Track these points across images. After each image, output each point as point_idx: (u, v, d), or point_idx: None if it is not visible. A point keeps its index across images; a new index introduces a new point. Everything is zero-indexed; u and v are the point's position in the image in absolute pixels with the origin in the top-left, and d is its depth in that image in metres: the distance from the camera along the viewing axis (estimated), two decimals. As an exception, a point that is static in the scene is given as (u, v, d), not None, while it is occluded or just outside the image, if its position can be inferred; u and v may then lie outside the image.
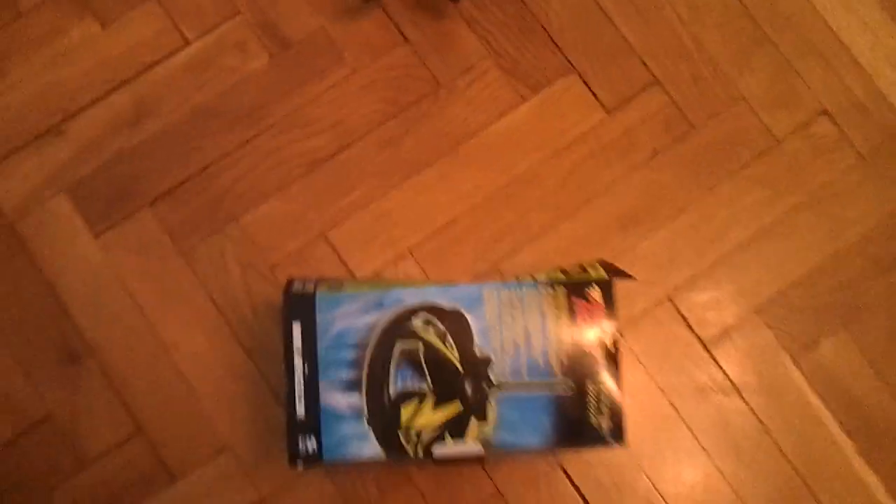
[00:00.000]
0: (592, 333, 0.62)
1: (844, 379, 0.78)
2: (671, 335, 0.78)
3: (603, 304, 0.62)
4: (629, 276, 0.63)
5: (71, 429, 0.75)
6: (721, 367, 0.78)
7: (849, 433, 0.77)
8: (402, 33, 0.81)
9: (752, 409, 0.77)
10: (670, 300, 0.78)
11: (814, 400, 0.77)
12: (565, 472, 0.75)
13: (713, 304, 0.78)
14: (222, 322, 0.76)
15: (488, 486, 0.74)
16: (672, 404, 0.77)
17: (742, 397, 0.77)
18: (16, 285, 0.76)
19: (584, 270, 0.64)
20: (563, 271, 0.65)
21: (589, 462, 0.75)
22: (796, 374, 0.78)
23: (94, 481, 0.74)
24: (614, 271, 0.64)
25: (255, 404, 0.75)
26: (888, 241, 0.80)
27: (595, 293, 0.62)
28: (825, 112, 0.81)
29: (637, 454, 0.75)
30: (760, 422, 0.77)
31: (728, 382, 0.77)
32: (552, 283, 0.62)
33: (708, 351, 0.78)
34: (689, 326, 0.78)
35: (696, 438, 0.76)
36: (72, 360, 0.75)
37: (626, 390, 0.76)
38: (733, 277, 0.79)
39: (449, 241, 0.78)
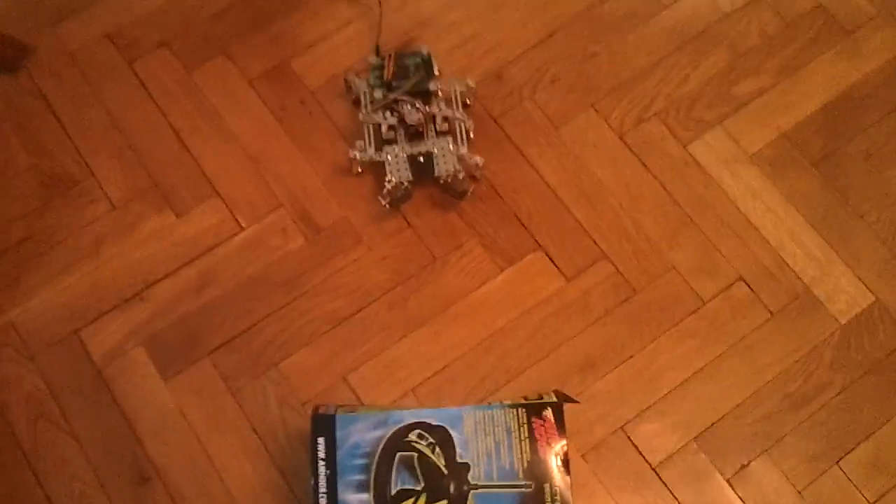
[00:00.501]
0: (547, 445, 0.81)
1: (770, 497, 0.93)
2: (625, 459, 0.95)
3: (555, 423, 0.82)
4: (575, 401, 0.82)
5: (139, 536, 0.93)
6: (668, 488, 0.94)
7: (776, 542, 0.92)
8: (406, 221, 1.04)
9: (694, 522, 0.93)
10: (622, 430, 0.96)
11: (747, 514, 0.94)
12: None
13: (658, 434, 0.96)
14: (262, 448, 0.95)
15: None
16: (628, 517, 0.93)
17: (687, 512, 0.94)
18: (100, 418, 0.96)
19: (541, 397, 0.84)
20: (525, 398, 0.85)
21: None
22: (730, 493, 0.94)
23: (154, 579, 0.91)
24: (564, 398, 0.83)
25: (287, 515, 0.93)
26: (797, 381, 0.97)
27: (548, 414, 0.82)
28: (741, 278, 1.02)
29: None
30: (702, 532, 0.93)
31: (675, 500, 0.94)
32: (515, 406, 0.82)
33: (656, 473, 0.95)
34: (640, 452, 0.95)
35: (649, 547, 0.92)
36: (142, 480, 0.94)
37: (588, 504, 0.93)
38: (673, 412, 0.97)
39: (443, 381, 0.97)
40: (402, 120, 1.03)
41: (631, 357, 0.98)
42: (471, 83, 1.05)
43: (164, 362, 0.98)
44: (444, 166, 1.01)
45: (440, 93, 1.05)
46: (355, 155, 1.02)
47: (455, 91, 1.06)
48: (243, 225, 1.04)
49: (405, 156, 1.02)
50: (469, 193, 1.02)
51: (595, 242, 1.03)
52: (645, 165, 1.07)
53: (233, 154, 1.07)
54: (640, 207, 1.04)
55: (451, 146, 1.02)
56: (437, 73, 1.07)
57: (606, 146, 1.08)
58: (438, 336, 0.99)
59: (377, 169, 1.04)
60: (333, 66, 1.12)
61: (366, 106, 1.04)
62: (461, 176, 1.01)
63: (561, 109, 1.10)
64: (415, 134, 1.03)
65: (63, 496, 0.93)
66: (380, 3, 1.13)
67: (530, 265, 1.02)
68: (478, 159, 1.02)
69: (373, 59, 1.08)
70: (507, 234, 1.03)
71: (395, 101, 1.03)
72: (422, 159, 1.01)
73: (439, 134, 1.03)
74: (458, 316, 1.00)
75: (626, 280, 1.01)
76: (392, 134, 1.03)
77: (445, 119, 1.03)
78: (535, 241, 1.03)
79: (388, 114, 1.03)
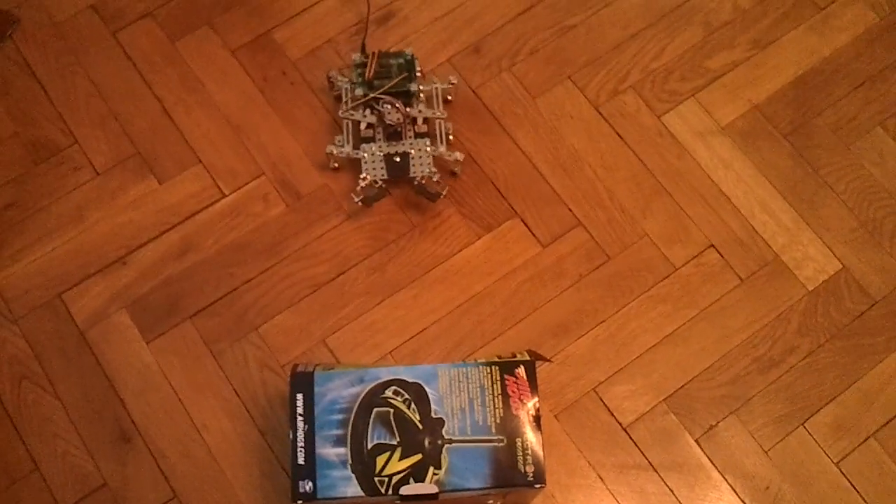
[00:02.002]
0: (519, 402, 0.83)
1: (737, 456, 0.96)
2: (597, 420, 0.98)
3: (527, 380, 0.84)
4: (547, 360, 0.85)
5: (122, 495, 0.94)
6: (638, 447, 0.97)
7: (743, 502, 0.95)
8: (387, 190, 1.06)
9: (663, 481, 0.96)
10: (595, 391, 0.98)
11: (714, 474, 0.96)
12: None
13: (629, 395, 0.98)
14: (242, 408, 0.97)
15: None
16: (599, 476, 0.95)
17: (656, 471, 0.96)
18: (83, 379, 0.98)
19: (514, 356, 0.86)
20: (498, 356, 0.87)
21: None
22: (698, 452, 0.96)
23: (137, 535, 0.93)
24: (536, 356, 0.86)
25: (267, 473, 0.95)
26: (765, 346, 1.00)
27: (521, 371, 0.84)
28: (712, 245, 1.04)
29: (568, 512, 0.94)
30: (671, 491, 0.95)
31: (644, 459, 0.96)
32: (489, 364, 0.84)
33: (627, 433, 0.97)
34: (611, 413, 0.98)
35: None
36: (124, 439, 0.96)
37: (561, 463, 0.95)
38: (644, 374, 0.99)
39: (421, 344, 1.00)
40: (381, 119, 1.04)
41: (603, 321, 1.01)
42: (453, 80, 1.06)
43: (147, 325, 1.00)
44: (420, 168, 1.02)
45: (421, 94, 1.06)
46: (332, 150, 1.03)
47: (436, 90, 1.06)
48: (225, 192, 1.06)
49: (382, 155, 1.03)
50: (442, 196, 1.03)
51: (570, 210, 1.05)
52: (620, 136, 1.09)
53: (215, 123, 1.09)
54: (614, 177, 1.07)
55: (428, 147, 1.03)
56: (419, 73, 1.07)
57: (582, 117, 1.10)
58: (416, 300, 1.01)
59: (355, 164, 1.06)
60: (315, 38, 1.14)
61: (346, 102, 1.05)
62: (436, 178, 1.02)
63: (538, 81, 1.12)
64: (393, 133, 1.04)
65: (46, 455, 0.95)
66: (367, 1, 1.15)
67: (507, 232, 1.04)
68: (457, 155, 1.03)
69: (356, 57, 1.08)
70: (485, 202, 1.05)
71: (376, 99, 1.04)
72: (398, 159, 1.03)
73: (418, 135, 1.04)
74: (435, 281, 1.02)
75: (600, 247, 1.04)
76: (371, 132, 1.04)
77: (426, 120, 1.04)
78: (512, 208, 1.05)
79: (367, 112, 1.04)
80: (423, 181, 1.02)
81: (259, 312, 1.00)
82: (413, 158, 1.03)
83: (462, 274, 1.02)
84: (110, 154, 1.08)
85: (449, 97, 1.09)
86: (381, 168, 1.03)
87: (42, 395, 0.97)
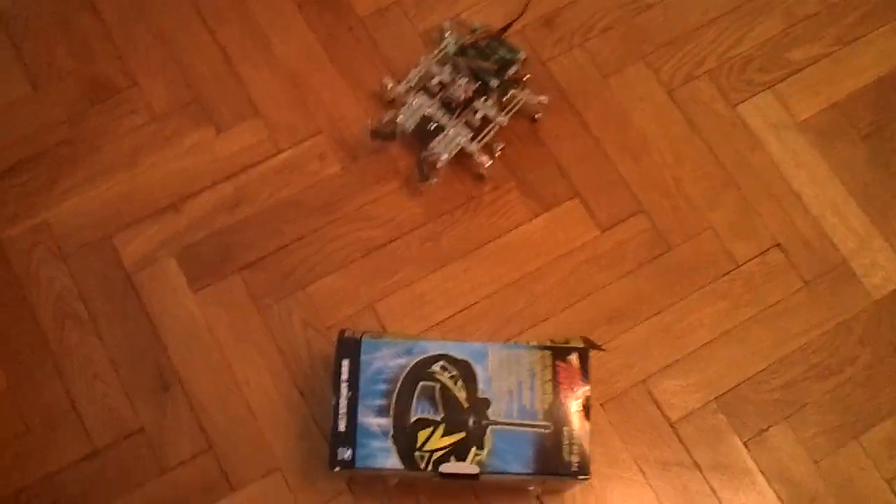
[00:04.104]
0: (570, 390, 0.81)
1: (785, 464, 0.93)
2: (643, 413, 0.95)
3: (579, 368, 0.81)
4: (601, 349, 0.82)
5: (157, 441, 0.93)
6: (683, 444, 0.94)
7: (787, 510, 0.92)
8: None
9: (707, 481, 0.93)
10: (644, 383, 0.96)
11: (760, 479, 0.93)
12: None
13: (679, 391, 0.96)
14: (284, 367, 0.96)
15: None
16: (641, 470, 0.93)
17: (700, 471, 0.93)
18: (127, 324, 0.97)
19: (567, 342, 0.84)
20: (551, 341, 0.84)
21: (564, 499, 0.92)
22: (745, 456, 0.93)
23: (170, 485, 0.92)
24: (590, 344, 0.83)
25: (304, 435, 0.93)
26: (824, 353, 0.97)
27: (574, 359, 0.81)
28: (778, 245, 1.00)
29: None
30: (713, 492, 0.93)
31: (689, 457, 0.94)
32: (541, 348, 0.82)
33: (673, 429, 0.95)
34: (659, 407, 0.95)
35: (659, 501, 0.92)
36: (164, 387, 0.95)
37: (603, 453, 0.93)
38: (697, 370, 0.96)
39: (469, 318, 0.97)
40: (449, 85, 1.00)
41: (659, 312, 0.98)
42: (543, 100, 1.02)
43: (195, 274, 0.99)
44: (438, 149, 0.99)
45: (496, 96, 1.01)
46: (388, 83, 1.01)
47: (518, 100, 1.01)
48: (282, 147, 1.04)
49: (423, 112, 1.01)
50: (431, 183, 1.01)
51: (634, 196, 1.02)
52: (691, 123, 1.05)
53: (277, 77, 1.07)
54: (682, 165, 1.03)
55: (463, 141, 1.00)
56: (515, 76, 1.02)
57: (654, 101, 1.06)
58: (468, 274, 0.99)
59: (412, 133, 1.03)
60: (385, -4, 1.11)
61: (436, 54, 1.02)
62: (439, 165, 0.99)
63: (611, 60, 1.08)
64: (448, 104, 1.01)
65: (85, 395, 0.94)
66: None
67: (566, 212, 1.01)
68: (484, 159, 0.99)
69: (476, 24, 1.05)
70: (546, 180, 1.03)
71: (458, 66, 1.01)
72: (431, 127, 1.00)
73: (467, 124, 1.01)
74: (488, 256, 1.00)
75: (662, 236, 1.00)
76: (436, 89, 1.02)
77: (483, 118, 1.00)
78: (574, 188, 1.02)
79: (447, 69, 1.01)
80: (428, 158, 0.99)
81: (308, 271, 0.99)
82: (443, 139, 1.00)
83: (517, 251, 1.00)
84: (168, 99, 1.06)
85: (527, 75, 1.05)
86: (413, 122, 1.00)
87: (85, 336, 0.96)
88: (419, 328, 0.97)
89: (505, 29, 1.06)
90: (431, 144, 0.99)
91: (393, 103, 1.04)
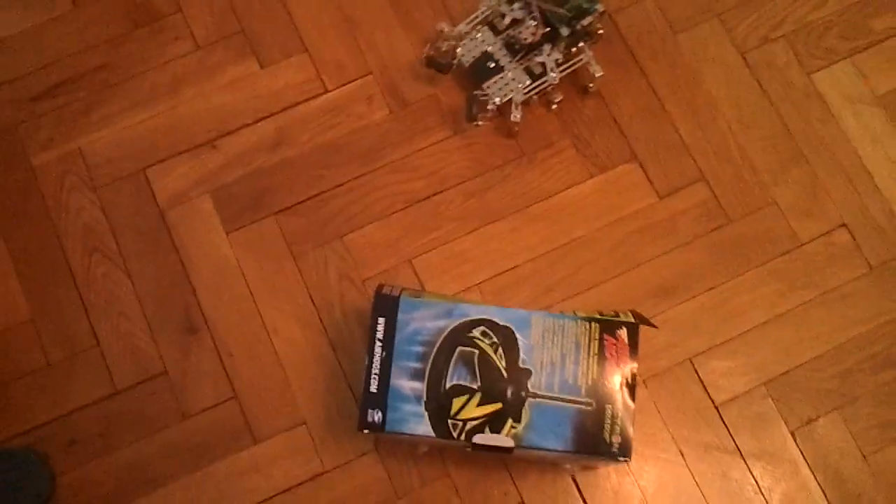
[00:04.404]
0: (616, 366, 0.76)
1: (833, 456, 0.89)
2: (688, 393, 0.91)
3: (628, 344, 0.77)
4: (653, 325, 0.77)
5: (181, 385, 0.91)
6: (727, 428, 0.90)
7: (830, 505, 0.88)
8: (498, 109, 0.97)
9: (748, 468, 0.89)
10: (690, 362, 0.91)
11: (804, 471, 0.89)
12: (575, 482, 0.88)
13: (727, 373, 0.91)
14: (316, 318, 0.92)
15: (513, 492, 0.88)
16: (680, 452, 0.89)
17: (742, 457, 0.89)
18: (156, 261, 0.94)
19: (616, 315, 0.79)
20: (600, 312, 0.80)
21: (598, 477, 0.88)
22: (791, 445, 0.89)
23: (191, 431, 0.89)
24: (641, 319, 0.78)
25: (333, 390, 0.90)
26: (884, 344, 0.91)
27: (622, 333, 0.77)
28: (844, 225, 0.94)
29: (644, 484, 0.88)
30: (755, 481, 0.88)
31: (732, 443, 0.89)
32: (589, 320, 0.77)
33: (718, 412, 0.90)
34: (705, 388, 0.91)
35: (697, 485, 0.88)
36: (191, 329, 0.92)
37: (643, 432, 0.89)
38: (747, 353, 0.91)
39: (510, 282, 0.93)
40: (517, 24, 0.94)
41: (711, 289, 0.93)
42: (598, 71, 0.94)
43: (229, 215, 0.95)
44: (492, 90, 0.93)
45: (563, 46, 0.94)
46: (443, 27, 0.95)
47: (578, 59, 0.95)
48: (328, 87, 0.99)
49: (485, 49, 0.95)
50: (478, 125, 0.95)
51: (695, 162, 0.96)
52: (763, 89, 0.99)
53: (328, 10, 1.01)
54: (749, 133, 0.97)
55: (520, 86, 0.93)
56: (587, 27, 0.93)
57: (725, 62, 0.99)
58: (513, 234, 0.94)
59: (464, 78, 0.98)
60: (447, -69, 1.04)
61: None
62: (489, 108, 0.93)
63: (683, 14, 1.01)
64: (511, 44, 0.95)
65: (109, 332, 0.92)
66: None
67: (622, 176, 0.96)
68: (518, 116, 0.93)
69: None
70: (604, 139, 0.97)
71: (530, 6, 0.94)
72: (491, 65, 0.95)
73: (527, 70, 0.95)
74: (536, 217, 0.94)
75: (722, 207, 0.95)
76: (503, 26, 0.95)
77: (543, 66, 0.94)
78: (632, 150, 0.97)
79: (516, 8, 0.95)
80: (481, 99, 0.93)
81: (347, 220, 0.94)
82: (499, 80, 0.94)
83: (566, 213, 0.95)
84: (213, 28, 1.01)
85: (601, 30, 0.96)
86: (472, 56, 0.95)
87: (112, 270, 0.93)
88: (457, 287, 0.92)
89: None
90: (486, 84, 0.93)
91: (446, 54, 0.98)
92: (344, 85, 0.99)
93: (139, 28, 1.01)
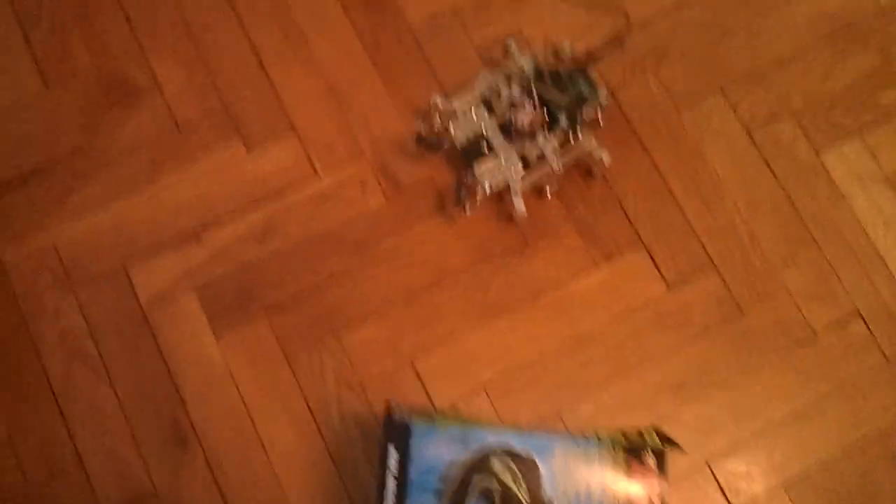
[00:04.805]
0: (643, 493, 0.72)
1: (851, 555, 0.86)
2: (706, 498, 0.87)
3: (656, 470, 0.73)
4: (680, 448, 0.73)
5: None
6: (747, 532, 0.87)
7: None
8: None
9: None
10: (708, 465, 0.87)
11: (822, 568, 0.86)
12: None
13: (745, 475, 0.87)
14: (313, 425, 0.87)
15: None
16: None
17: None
18: (141, 367, 0.88)
19: (641, 436, 0.75)
20: (624, 434, 0.76)
21: None
22: (810, 546, 0.86)
23: (182, 551, 0.84)
24: (667, 441, 0.74)
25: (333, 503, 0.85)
26: (902, 436, 0.89)
27: (650, 460, 0.73)
28: (859, 313, 0.91)
29: None
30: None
31: (752, 548, 0.86)
32: (613, 444, 0.73)
33: (736, 515, 0.87)
34: (723, 492, 0.87)
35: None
36: (180, 442, 0.86)
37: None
38: (765, 451, 0.88)
39: (518, 382, 0.88)
40: (514, 105, 0.89)
41: (726, 384, 0.89)
42: (605, 158, 0.90)
43: (217, 314, 0.89)
44: (481, 175, 0.87)
45: (558, 134, 0.89)
46: (437, 101, 0.88)
47: (580, 149, 0.90)
48: (319, 171, 0.93)
49: (478, 129, 0.89)
50: (465, 211, 0.92)
51: (704, 248, 0.93)
52: (770, 168, 0.95)
53: (316, 87, 0.96)
54: (758, 215, 0.94)
55: (512, 172, 0.88)
56: (585, 115, 0.90)
57: (731, 140, 0.96)
58: (518, 330, 0.90)
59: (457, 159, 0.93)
60: (439, 2, 0.99)
61: (507, 67, 0.91)
62: (478, 196, 0.89)
63: (686, 90, 0.97)
64: (505, 129, 0.89)
65: (93, 450, 0.86)
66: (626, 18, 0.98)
67: (630, 264, 0.92)
68: (520, 206, 0.88)
69: (566, 48, 0.90)
70: (608, 223, 0.93)
71: (528, 89, 0.88)
72: (484, 148, 0.89)
73: (523, 157, 0.89)
74: (542, 310, 0.90)
75: (733, 296, 0.91)
76: (499, 107, 0.90)
77: (539, 156, 0.88)
78: (638, 236, 0.93)
79: (515, 89, 0.89)
80: (471, 184, 0.88)
81: (342, 316, 0.89)
82: (491, 165, 0.88)
83: (573, 306, 0.90)
84: (194, 105, 0.95)
85: (601, 124, 0.93)
86: (465, 138, 0.89)
87: (94, 382, 0.87)
88: (463, 389, 0.88)
89: (596, 60, 0.90)
90: (477, 168, 0.88)
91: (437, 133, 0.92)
92: (335, 169, 0.93)
93: (115, 107, 0.95)
